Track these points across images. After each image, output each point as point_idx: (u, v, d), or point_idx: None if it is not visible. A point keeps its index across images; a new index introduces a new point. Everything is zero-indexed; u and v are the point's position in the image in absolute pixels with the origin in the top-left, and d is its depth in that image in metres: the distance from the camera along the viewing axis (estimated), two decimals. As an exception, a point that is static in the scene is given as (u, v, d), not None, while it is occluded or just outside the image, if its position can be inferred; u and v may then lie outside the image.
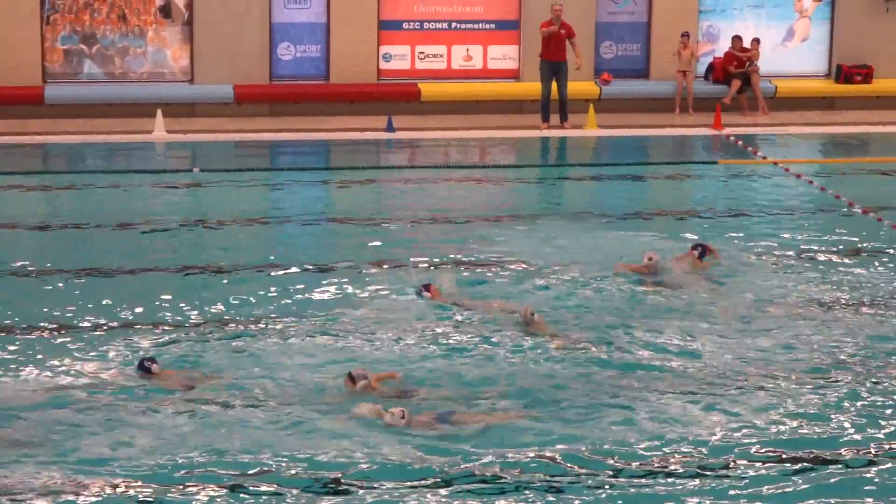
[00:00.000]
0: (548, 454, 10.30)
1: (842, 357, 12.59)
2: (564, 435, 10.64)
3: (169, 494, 9.67)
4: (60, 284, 14.77)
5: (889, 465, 10.27)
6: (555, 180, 21.80)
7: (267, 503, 9.63)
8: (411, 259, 15.68)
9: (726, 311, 13.87)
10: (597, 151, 24.33)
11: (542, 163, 23.66)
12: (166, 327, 13.28)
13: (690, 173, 21.91)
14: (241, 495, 9.68)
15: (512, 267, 15.49)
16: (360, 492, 9.73)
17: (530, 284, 14.79)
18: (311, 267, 15.49)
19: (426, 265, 15.44)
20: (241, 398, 11.34)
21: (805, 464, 10.27)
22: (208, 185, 20.23)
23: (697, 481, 9.95)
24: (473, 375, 11.97)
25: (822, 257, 16.11)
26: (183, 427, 10.76)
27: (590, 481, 9.92)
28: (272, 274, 15.21)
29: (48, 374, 11.96)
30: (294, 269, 15.36)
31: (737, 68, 26.60)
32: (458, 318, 13.52)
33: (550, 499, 9.67)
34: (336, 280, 14.80)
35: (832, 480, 10.02)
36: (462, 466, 10.09)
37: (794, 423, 10.99)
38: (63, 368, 12.08)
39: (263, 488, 9.77)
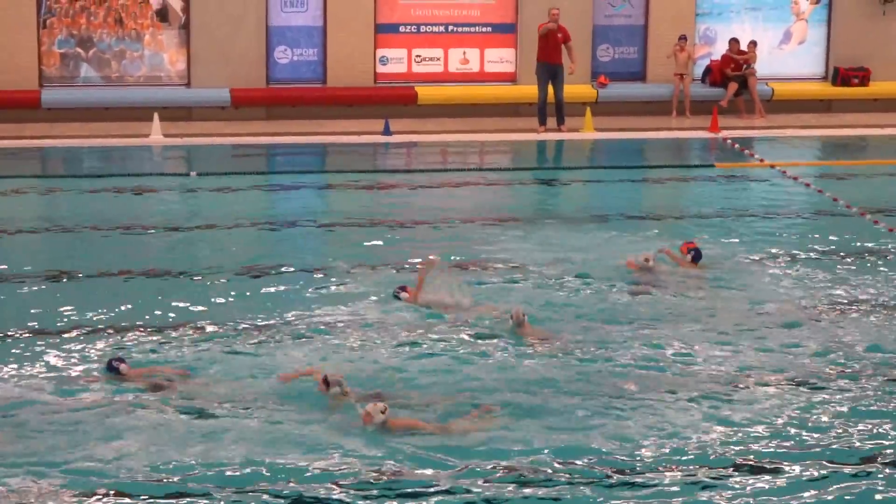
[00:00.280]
0: (537, 459, 10.26)
1: (839, 359, 12.58)
2: (554, 440, 10.60)
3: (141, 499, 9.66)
4: (55, 287, 14.76)
5: (889, 471, 10.26)
6: (552, 183, 21.79)
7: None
8: (393, 262, 15.69)
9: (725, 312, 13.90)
10: (594, 154, 24.33)
11: (538, 166, 23.65)
12: (154, 330, 13.24)
13: (687, 176, 21.90)
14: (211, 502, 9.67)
15: (508, 269, 15.47)
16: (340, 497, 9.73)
17: (525, 287, 14.78)
18: (301, 270, 15.46)
19: (413, 267, 15.43)
20: (216, 400, 11.30)
21: (803, 468, 10.26)
22: (205, 189, 20.22)
23: (693, 486, 9.93)
24: (451, 379, 11.95)
25: (819, 260, 16.10)
26: (156, 430, 10.71)
27: (581, 487, 9.90)
28: (262, 277, 15.18)
29: (30, 377, 11.94)
30: (285, 273, 15.34)
31: (734, 71, 26.62)
32: (436, 320, 13.50)
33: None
34: (324, 283, 14.78)
35: (832, 485, 10.01)
36: (448, 472, 10.07)
37: (792, 426, 10.98)
38: (45, 371, 12.06)
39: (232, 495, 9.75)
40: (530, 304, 14.03)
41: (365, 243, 16.97)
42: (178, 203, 19.72)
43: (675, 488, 9.88)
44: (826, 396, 11.66)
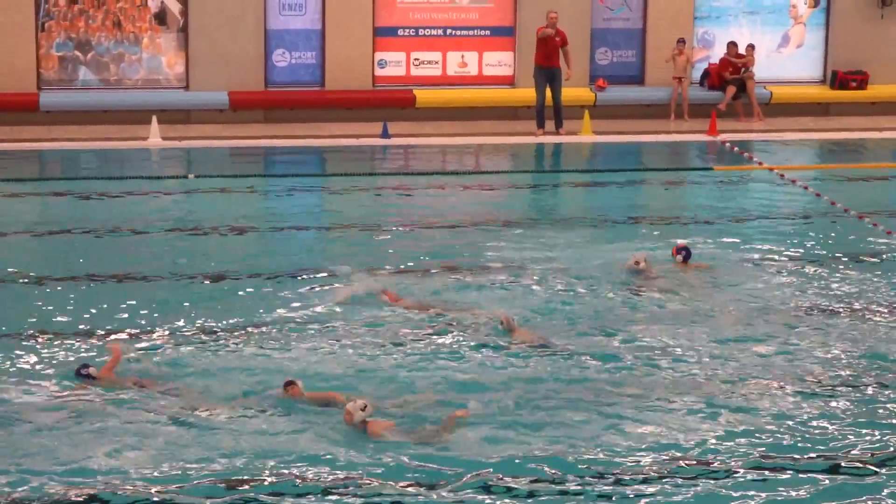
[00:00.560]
0: (524, 463, 10.27)
1: (837, 363, 12.59)
2: (547, 444, 10.61)
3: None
4: (50, 289, 14.76)
5: (886, 471, 10.27)
6: (550, 186, 21.79)
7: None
8: (391, 265, 15.69)
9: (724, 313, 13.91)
10: (592, 157, 24.33)
11: (537, 169, 23.66)
12: (145, 332, 13.28)
13: (685, 179, 21.91)
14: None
15: (505, 272, 15.48)
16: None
17: (521, 289, 14.80)
18: (298, 273, 15.45)
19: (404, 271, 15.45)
20: (199, 405, 11.31)
21: (798, 472, 10.26)
22: (203, 192, 20.22)
23: (687, 489, 9.93)
24: (442, 383, 11.95)
25: (816, 263, 16.11)
26: (131, 435, 10.74)
27: (575, 490, 9.90)
28: (258, 280, 15.19)
29: (16, 379, 11.95)
30: (280, 275, 15.35)
31: (732, 74, 26.61)
32: (419, 322, 13.51)
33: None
34: (319, 286, 14.78)
35: (830, 487, 10.01)
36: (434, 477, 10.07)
37: (788, 430, 10.98)
38: (30, 374, 12.08)
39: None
40: (527, 307, 14.07)
41: (363, 246, 16.98)
42: (176, 205, 19.70)
43: (671, 491, 9.88)
44: (823, 400, 11.67)
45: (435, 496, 9.76)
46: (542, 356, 12.59)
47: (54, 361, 12.39)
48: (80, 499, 9.65)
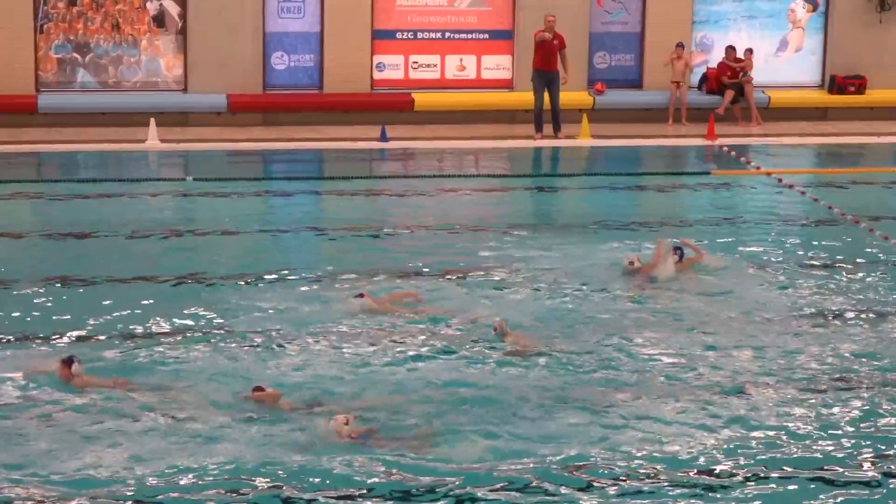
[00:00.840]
0: (511, 469, 10.26)
1: (833, 367, 12.59)
2: (541, 447, 10.60)
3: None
4: (45, 292, 14.77)
5: (882, 477, 10.27)
6: (548, 190, 21.79)
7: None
8: (388, 269, 15.67)
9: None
10: (590, 161, 24.34)
11: (535, 173, 23.65)
12: (135, 335, 13.28)
13: (683, 184, 21.90)
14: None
15: (502, 276, 15.48)
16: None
17: (518, 293, 14.80)
18: (293, 276, 15.44)
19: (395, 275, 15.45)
20: (181, 409, 11.32)
21: (796, 478, 10.26)
22: (201, 195, 20.22)
23: (682, 495, 9.93)
24: (435, 388, 11.94)
25: (813, 267, 16.12)
26: (116, 439, 10.72)
27: (569, 495, 9.90)
28: (254, 283, 15.19)
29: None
30: (275, 278, 15.34)
31: (730, 79, 26.63)
32: (417, 327, 13.52)
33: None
34: (312, 289, 14.77)
35: (829, 494, 10.01)
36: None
37: (783, 434, 10.98)
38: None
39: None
40: (523, 311, 14.07)
41: (360, 249, 16.98)
42: (173, 208, 19.71)
43: (665, 497, 9.88)
44: (819, 404, 11.66)
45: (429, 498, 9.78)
46: (534, 360, 12.58)
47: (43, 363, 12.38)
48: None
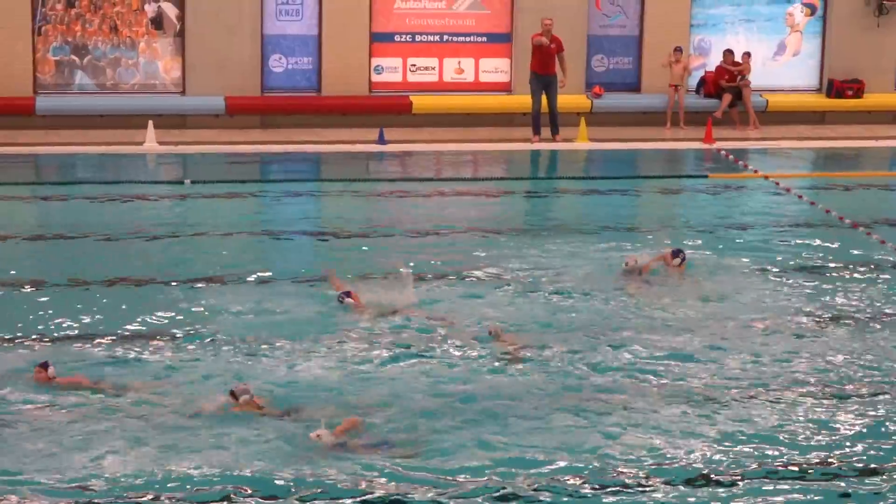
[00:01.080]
0: (508, 472, 10.25)
1: (829, 371, 12.59)
2: (531, 451, 10.59)
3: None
4: (39, 294, 14.79)
5: (877, 479, 10.27)
6: (545, 193, 21.79)
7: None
8: (383, 271, 15.67)
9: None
10: (588, 165, 24.33)
11: (532, 176, 23.66)
12: (124, 338, 13.29)
13: (681, 187, 21.92)
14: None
15: (499, 279, 15.48)
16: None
17: (512, 296, 14.81)
18: (287, 278, 15.43)
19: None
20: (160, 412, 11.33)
21: (792, 482, 10.26)
22: (198, 197, 20.22)
23: (674, 498, 9.94)
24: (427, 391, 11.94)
25: (811, 271, 16.12)
26: (94, 441, 10.73)
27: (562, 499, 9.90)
28: (249, 285, 15.20)
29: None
30: (269, 281, 15.34)
31: (728, 82, 26.64)
32: (403, 330, 13.52)
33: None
34: (305, 292, 14.77)
35: (826, 497, 10.01)
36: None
37: (777, 439, 10.99)
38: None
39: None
40: (519, 313, 14.07)
41: (357, 252, 16.98)
42: (171, 211, 19.71)
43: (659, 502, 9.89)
44: (816, 407, 11.67)
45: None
46: (528, 363, 12.58)
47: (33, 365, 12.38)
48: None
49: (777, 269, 16.12)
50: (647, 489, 10.00)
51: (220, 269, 15.90)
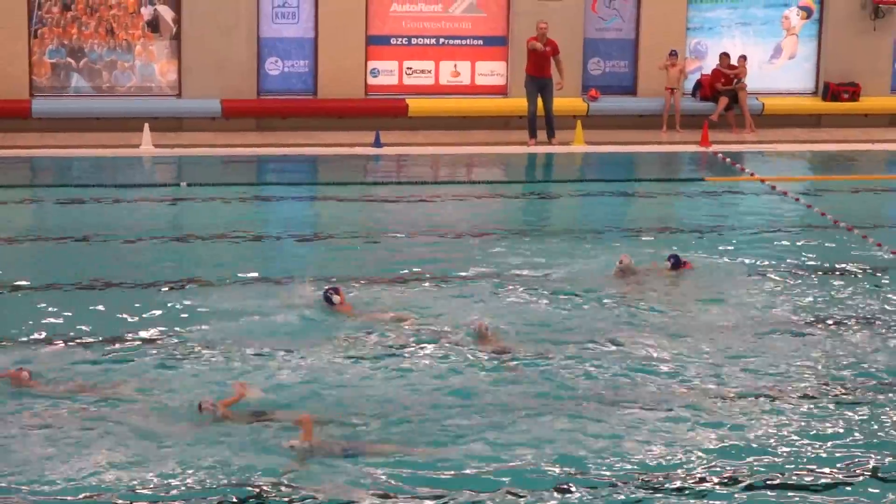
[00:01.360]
0: (497, 476, 10.24)
1: (825, 374, 12.60)
2: (518, 454, 10.58)
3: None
4: (34, 297, 14.79)
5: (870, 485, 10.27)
6: (541, 196, 21.79)
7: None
8: (379, 275, 15.68)
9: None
10: (584, 167, 24.34)
11: (528, 179, 23.67)
12: (134, 339, 13.29)
13: (677, 190, 21.92)
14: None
15: (495, 281, 15.47)
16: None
17: (508, 298, 14.82)
18: (283, 281, 15.42)
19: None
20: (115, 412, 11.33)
21: (787, 485, 10.26)
22: (195, 200, 20.21)
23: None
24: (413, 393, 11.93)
25: (806, 274, 16.13)
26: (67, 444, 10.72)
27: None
28: (243, 287, 15.19)
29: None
30: (263, 284, 15.34)
31: (724, 85, 26.65)
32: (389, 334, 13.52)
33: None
34: (297, 295, 14.78)
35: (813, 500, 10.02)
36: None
37: (772, 443, 10.98)
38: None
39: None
40: (514, 316, 14.07)
41: (352, 254, 16.97)
42: (167, 213, 19.70)
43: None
44: (812, 410, 11.67)
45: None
46: (517, 365, 12.58)
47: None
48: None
49: (773, 272, 16.13)
50: (643, 492, 10.00)
51: (215, 271, 15.89)
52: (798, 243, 17.90)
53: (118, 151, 23.65)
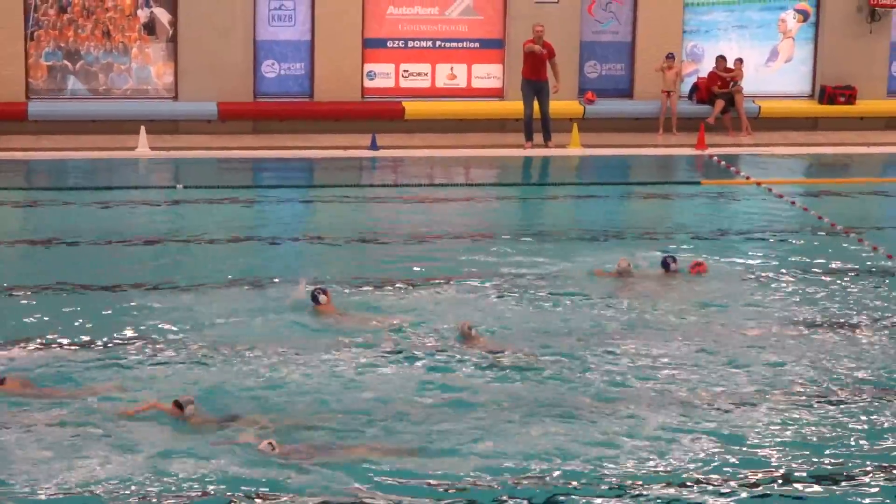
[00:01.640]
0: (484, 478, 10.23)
1: (822, 376, 12.59)
2: (506, 456, 10.58)
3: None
4: (29, 299, 14.78)
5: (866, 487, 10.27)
6: (538, 199, 21.79)
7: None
8: (375, 278, 15.68)
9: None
10: (580, 171, 24.35)
11: (525, 182, 23.67)
12: (128, 341, 13.28)
13: (674, 193, 21.93)
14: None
15: (491, 284, 15.47)
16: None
17: (502, 301, 14.83)
18: (278, 283, 15.42)
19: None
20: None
21: (781, 489, 10.27)
22: (191, 203, 20.20)
23: None
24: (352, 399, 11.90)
25: (802, 277, 16.13)
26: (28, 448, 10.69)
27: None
28: (238, 289, 15.19)
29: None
30: (260, 285, 15.34)
31: (721, 88, 26.66)
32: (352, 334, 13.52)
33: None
34: (293, 297, 14.78)
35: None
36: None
37: (768, 445, 10.99)
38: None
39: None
40: (509, 318, 14.08)
41: (348, 257, 16.98)
42: (163, 216, 19.69)
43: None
44: (808, 413, 11.66)
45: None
46: (512, 369, 12.57)
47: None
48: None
49: (769, 275, 16.13)
50: (636, 496, 10.00)
51: (210, 274, 15.89)
52: (794, 246, 17.91)
53: (114, 154, 23.65)
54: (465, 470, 10.29)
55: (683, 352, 13.15)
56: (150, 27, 25.76)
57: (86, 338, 13.37)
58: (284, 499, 9.82)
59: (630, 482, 10.19)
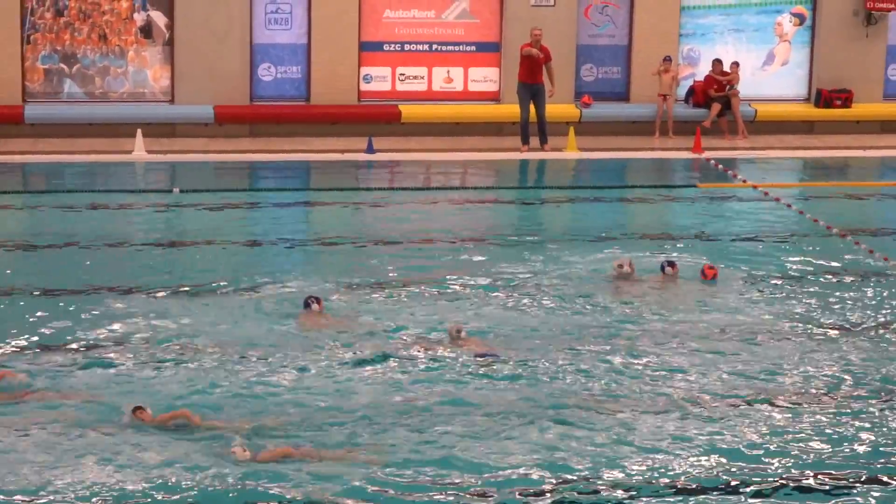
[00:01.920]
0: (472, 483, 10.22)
1: (818, 379, 12.60)
2: (495, 458, 10.59)
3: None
4: (24, 302, 14.77)
5: (864, 489, 10.28)
6: (534, 203, 21.79)
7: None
8: (372, 281, 15.66)
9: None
10: (576, 174, 24.35)
11: (521, 185, 23.68)
12: (123, 344, 13.30)
13: (670, 197, 21.93)
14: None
15: (488, 286, 15.48)
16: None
17: (499, 303, 14.83)
18: (273, 286, 15.41)
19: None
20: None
21: (772, 487, 10.27)
22: (187, 206, 20.20)
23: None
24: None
25: (798, 280, 16.14)
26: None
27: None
28: (235, 291, 15.18)
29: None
30: (256, 289, 15.33)
31: (717, 92, 26.67)
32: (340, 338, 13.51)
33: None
34: (286, 301, 14.77)
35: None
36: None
37: (763, 445, 10.99)
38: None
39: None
40: (504, 320, 14.08)
41: (344, 260, 16.97)
42: (160, 219, 19.69)
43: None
44: (806, 415, 11.67)
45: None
46: (509, 371, 12.57)
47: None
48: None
49: (765, 279, 16.14)
50: (633, 499, 10.00)
51: (207, 277, 15.88)
52: (790, 250, 17.91)
53: (111, 157, 23.65)
54: (457, 474, 10.29)
55: (679, 355, 13.15)
56: (147, 31, 25.77)
57: (81, 340, 13.38)
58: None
59: (626, 486, 10.19)
